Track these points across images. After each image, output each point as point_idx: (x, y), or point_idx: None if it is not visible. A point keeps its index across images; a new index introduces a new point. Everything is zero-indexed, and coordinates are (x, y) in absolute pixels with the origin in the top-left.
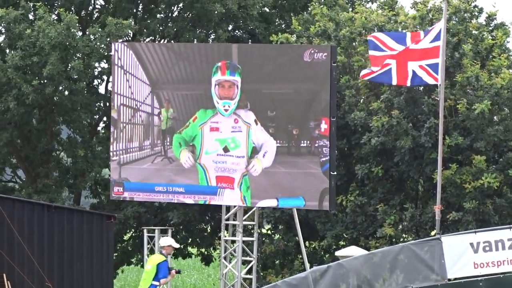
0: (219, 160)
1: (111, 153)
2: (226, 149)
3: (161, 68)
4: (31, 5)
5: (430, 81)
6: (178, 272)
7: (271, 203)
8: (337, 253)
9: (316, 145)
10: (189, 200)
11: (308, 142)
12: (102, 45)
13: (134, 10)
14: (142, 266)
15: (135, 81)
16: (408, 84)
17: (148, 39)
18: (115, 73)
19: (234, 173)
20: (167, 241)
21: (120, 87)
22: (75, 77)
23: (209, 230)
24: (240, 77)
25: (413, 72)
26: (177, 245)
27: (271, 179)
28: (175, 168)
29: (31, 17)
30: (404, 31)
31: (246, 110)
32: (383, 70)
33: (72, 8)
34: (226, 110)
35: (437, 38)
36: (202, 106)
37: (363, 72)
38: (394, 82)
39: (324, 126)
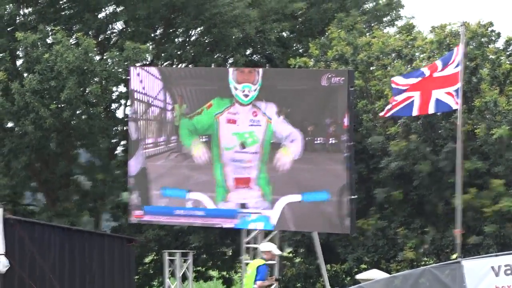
0: (237, 158)
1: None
2: (242, 145)
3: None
4: (49, 29)
5: (454, 106)
6: (277, 280)
7: (295, 198)
8: (358, 276)
9: (331, 142)
10: (211, 222)
11: (323, 139)
12: (120, 69)
13: (152, 35)
14: None
15: (146, 76)
16: (431, 111)
17: (165, 63)
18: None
19: (250, 172)
20: (268, 246)
21: (134, 84)
22: (92, 101)
23: (230, 253)
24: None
25: (437, 99)
26: (278, 252)
27: (292, 175)
28: (190, 165)
29: (49, 41)
30: (421, 55)
31: (266, 102)
32: (404, 104)
33: (90, 33)
34: (246, 96)
35: (458, 63)
36: (218, 95)
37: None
38: (415, 113)
39: (347, 120)
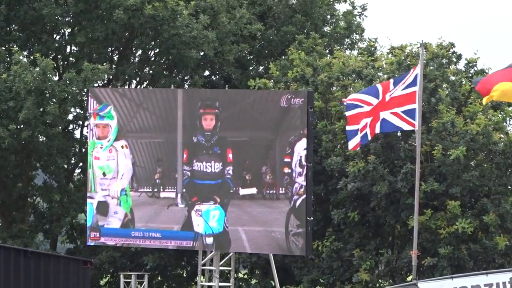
0: (103, 182)
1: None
2: (104, 174)
3: (123, 117)
4: (6, 48)
5: (405, 126)
6: None
7: None
8: None
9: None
10: (168, 244)
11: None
12: (78, 90)
13: (110, 55)
14: None
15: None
16: (377, 131)
17: (124, 84)
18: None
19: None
20: None
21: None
22: (50, 122)
23: (185, 275)
24: (112, 119)
25: (383, 119)
26: None
27: None
28: None
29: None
30: (382, 75)
31: (119, 140)
32: (364, 132)
33: (49, 53)
34: (101, 147)
35: (413, 83)
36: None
37: (351, 144)
38: (369, 137)
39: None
